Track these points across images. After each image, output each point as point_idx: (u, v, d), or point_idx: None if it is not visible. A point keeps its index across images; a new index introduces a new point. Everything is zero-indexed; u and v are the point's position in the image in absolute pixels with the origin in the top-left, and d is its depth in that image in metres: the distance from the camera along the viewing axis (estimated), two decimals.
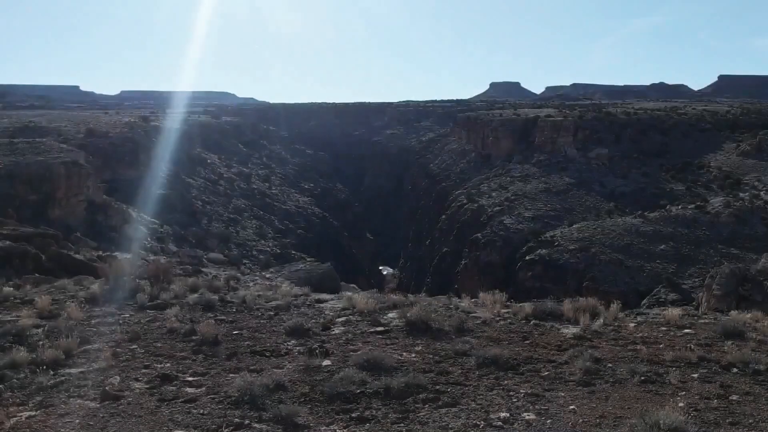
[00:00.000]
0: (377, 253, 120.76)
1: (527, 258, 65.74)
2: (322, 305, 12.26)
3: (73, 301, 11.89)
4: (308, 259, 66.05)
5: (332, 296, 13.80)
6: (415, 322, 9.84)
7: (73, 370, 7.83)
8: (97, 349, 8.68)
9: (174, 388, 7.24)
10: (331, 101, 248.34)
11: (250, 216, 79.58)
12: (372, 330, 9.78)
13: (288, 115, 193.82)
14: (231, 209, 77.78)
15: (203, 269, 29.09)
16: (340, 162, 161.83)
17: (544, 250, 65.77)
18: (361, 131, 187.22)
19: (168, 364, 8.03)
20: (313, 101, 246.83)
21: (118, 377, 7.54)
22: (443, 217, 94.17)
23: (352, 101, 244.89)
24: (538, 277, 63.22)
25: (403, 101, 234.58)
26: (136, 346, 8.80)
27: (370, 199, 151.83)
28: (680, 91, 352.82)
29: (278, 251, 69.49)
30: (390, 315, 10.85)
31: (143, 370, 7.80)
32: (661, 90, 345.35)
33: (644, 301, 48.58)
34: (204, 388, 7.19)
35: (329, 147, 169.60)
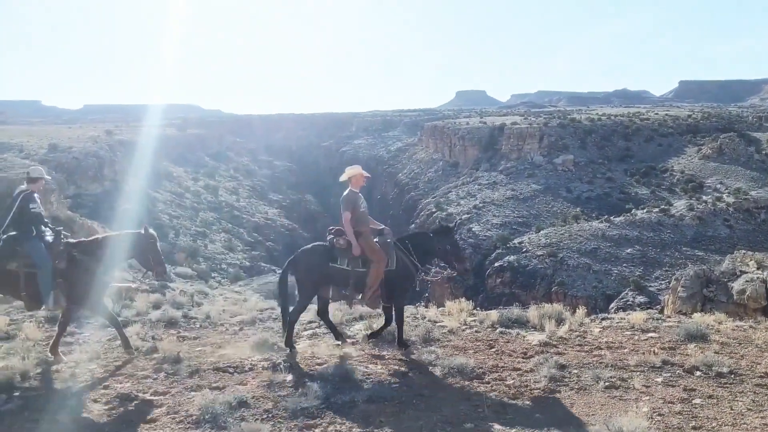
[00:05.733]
0: None
1: (496, 264, 66.20)
2: None
3: (31, 321, 11.57)
4: (278, 271, 65.57)
5: None
6: (381, 333, 9.77)
7: (28, 393, 7.58)
8: (54, 370, 8.44)
9: (134, 408, 7.06)
10: (298, 112, 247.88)
11: (219, 229, 78.86)
12: (338, 342, 9.67)
13: (255, 126, 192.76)
14: (198, 222, 76.98)
15: (170, 284, 28.67)
16: (309, 173, 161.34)
17: (512, 257, 66.30)
18: (329, 142, 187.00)
19: (128, 384, 7.83)
20: (281, 112, 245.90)
21: (75, 399, 7.32)
22: (413, 225, 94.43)
23: (320, 112, 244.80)
24: (507, 283, 63.72)
25: (371, 111, 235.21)
26: (95, 366, 8.57)
27: (340, 209, 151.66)
28: (642, 97, 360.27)
29: (248, 264, 68.97)
30: (357, 326, 10.77)
31: (102, 391, 7.59)
32: (623, 96, 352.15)
33: (612, 304, 49.21)
34: (164, 408, 7.02)
35: (297, 158, 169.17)
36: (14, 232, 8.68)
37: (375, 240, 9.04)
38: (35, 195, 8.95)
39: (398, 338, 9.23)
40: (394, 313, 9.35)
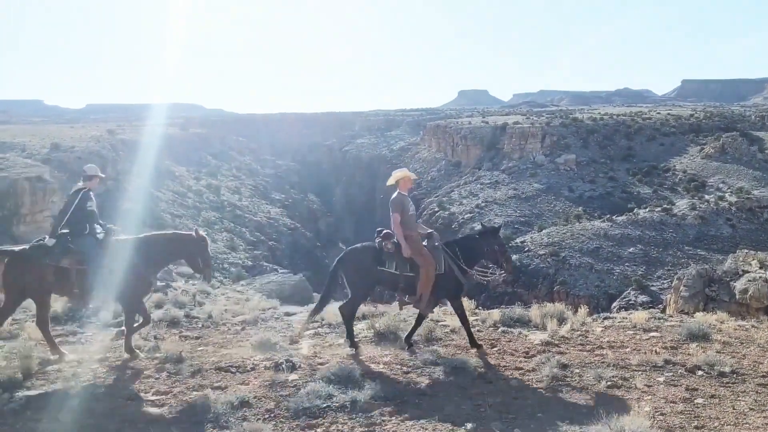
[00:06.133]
0: None
1: None
2: (290, 318, 12.14)
3: (33, 320, 11.57)
4: (280, 271, 65.62)
5: (301, 308, 13.70)
6: (383, 333, 9.78)
7: (31, 392, 7.59)
8: (57, 369, 8.44)
9: (136, 408, 7.06)
10: (300, 111, 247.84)
11: (221, 228, 78.85)
12: (340, 342, 9.68)
13: (258, 125, 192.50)
14: (201, 222, 76.95)
15: (172, 283, 28.65)
16: (311, 172, 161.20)
17: (514, 256, 66.16)
18: (331, 141, 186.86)
19: (130, 384, 7.83)
20: (283, 112, 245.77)
21: (77, 398, 7.32)
22: None
23: (322, 111, 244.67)
24: (509, 282, 63.61)
25: (373, 110, 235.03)
26: (97, 366, 8.58)
27: (342, 208, 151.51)
28: (645, 96, 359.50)
29: (250, 263, 68.95)
30: (359, 326, 10.75)
31: (104, 390, 7.60)
32: (626, 95, 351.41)
33: (614, 304, 49.18)
34: (166, 407, 7.02)
35: (300, 157, 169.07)
36: (67, 230, 8.82)
37: (423, 244, 9.01)
38: (91, 193, 9.12)
39: (469, 338, 9.17)
40: (456, 315, 9.34)
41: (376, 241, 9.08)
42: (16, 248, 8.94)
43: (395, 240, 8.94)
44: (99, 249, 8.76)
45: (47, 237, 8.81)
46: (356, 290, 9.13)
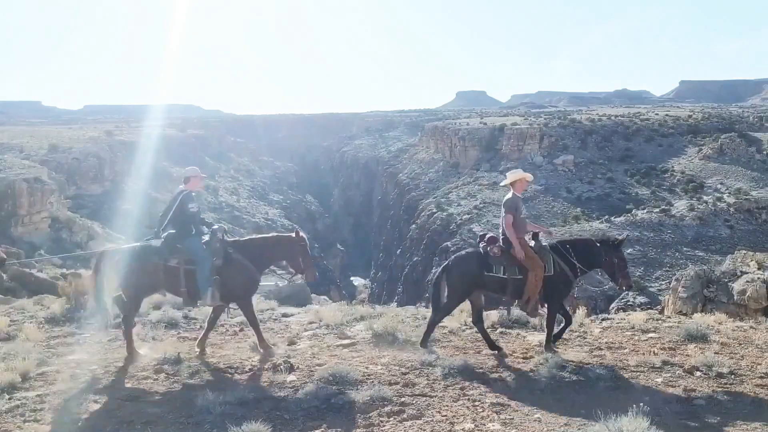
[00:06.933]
0: (348, 264, 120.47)
1: None
2: (288, 319, 12.10)
3: (31, 322, 11.57)
4: (279, 272, 65.49)
5: (299, 309, 13.66)
6: (381, 334, 9.77)
7: (29, 394, 7.58)
8: (55, 371, 8.43)
9: (134, 409, 7.06)
10: (298, 112, 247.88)
11: None
12: (338, 343, 9.68)
13: (256, 126, 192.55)
14: None
15: None
16: (309, 173, 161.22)
17: None
18: (329, 142, 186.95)
19: (128, 385, 7.83)
20: (281, 112, 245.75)
21: (76, 399, 7.32)
22: (413, 226, 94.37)
23: (321, 112, 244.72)
24: None
25: (372, 111, 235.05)
26: (95, 366, 8.57)
27: (340, 210, 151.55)
28: (643, 97, 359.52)
29: None
30: (357, 327, 10.75)
31: (102, 391, 7.59)
32: (624, 96, 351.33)
33: (612, 305, 49.11)
34: (165, 408, 7.02)
35: (298, 158, 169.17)
36: (174, 231, 8.97)
37: (530, 245, 8.90)
38: (193, 194, 9.29)
39: (546, 342, 9.01)
40: (546, 316, 9.21)
41: (481, 246, 9.01)
42: (125, 247, 9.32)
43: (501, 244, 8.85)
44: (206, 249, 8.92)
45: (152, 238, 9.00)
46: (455, 296, 9.08)
